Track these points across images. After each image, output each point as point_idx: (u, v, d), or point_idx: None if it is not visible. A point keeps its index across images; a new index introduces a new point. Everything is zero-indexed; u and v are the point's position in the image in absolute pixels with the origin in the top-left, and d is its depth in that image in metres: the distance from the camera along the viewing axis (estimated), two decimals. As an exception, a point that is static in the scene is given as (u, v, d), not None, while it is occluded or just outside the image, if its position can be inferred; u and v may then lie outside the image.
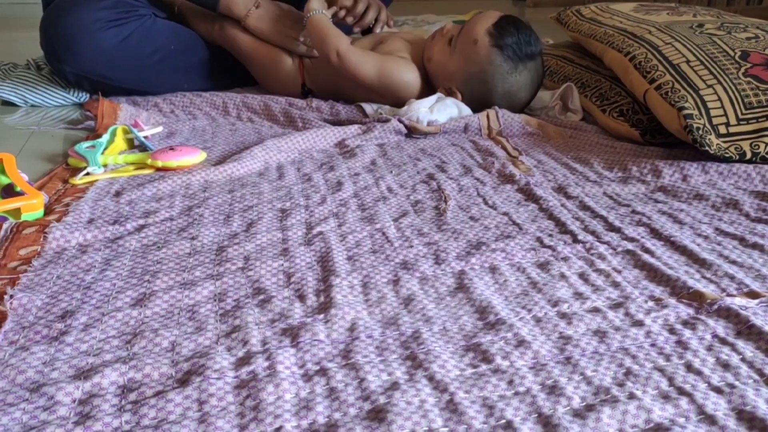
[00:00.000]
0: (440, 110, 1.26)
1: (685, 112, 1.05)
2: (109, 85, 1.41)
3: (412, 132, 1.23)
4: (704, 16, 1.35)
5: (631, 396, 0.53)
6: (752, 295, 0.67)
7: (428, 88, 1.36)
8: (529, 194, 0.95)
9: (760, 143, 1.04)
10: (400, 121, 1.23)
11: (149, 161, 1.05)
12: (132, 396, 0.53)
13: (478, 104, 1.29)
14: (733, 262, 0.74)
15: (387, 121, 1.23)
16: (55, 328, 0.62)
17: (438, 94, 1.30)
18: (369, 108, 1.36)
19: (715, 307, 0.64)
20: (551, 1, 3.53)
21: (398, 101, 1.34)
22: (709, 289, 0.68)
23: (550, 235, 0.82)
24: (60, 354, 0.58)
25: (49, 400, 0.52)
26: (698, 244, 0.79)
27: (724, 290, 0.68)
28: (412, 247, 0.79)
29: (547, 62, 1.55)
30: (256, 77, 1.52)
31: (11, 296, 0.66)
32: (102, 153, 1.07)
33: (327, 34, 1.34)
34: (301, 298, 0.68)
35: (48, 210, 0.89)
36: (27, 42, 1.92)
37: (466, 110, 1.28)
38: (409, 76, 1.34)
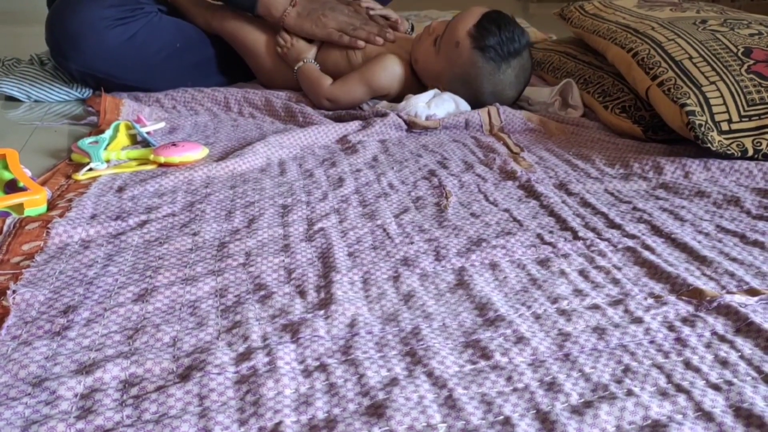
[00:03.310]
0: (438, 105, 1.26)
1: (688, 108, 1.05)
2: (115, 83, 1.41)
3: (410, 127, 1.23)
4: (707, 12, 1.35)
5: (629, 393, 0.53)
6: (752, 292, 0.67)
7: (417, 79, 1.35)
8: (530, 191, 0.95)
9: (762, 140, 1.04)
10: (398, 116, 1.23)
11: (152, 157, 1.05)
12: (133, 391, 0.54)
13: (467, 103, 1.29)
14: (734, 260, 0.74)
15: (385, 114, 1.23)
16: (57, 323, 0.62)
17: (435, 89, 1.30)
18: (366, 105, 1.36)
19: (715, 304, 0.65)
20: (555, -4, 3.52)
21: (397, 96, 1.34)
22: (708, 287, 0.68)
23: (551, 232, 0.82)
24: (62, 349, 0.59)
25: (51, 395, 0.53)
26: (699, 241, 0.79)
27: (723, 287, 0.68)
28: (412, 243, 0.79)
29: (549, 58, 1.55)
30: (254, 69, 1.51)
31: (14, 291, 0.67)
32: (105, 149, 1.07)
33: (311, 83, 1.37)
34: (302, 294, 0.68)
35: (51, 205, 0.90)
36: (30, 37, 1.92)
37: (464, 105, 1.28)
38: (390, 69, 1.33)
